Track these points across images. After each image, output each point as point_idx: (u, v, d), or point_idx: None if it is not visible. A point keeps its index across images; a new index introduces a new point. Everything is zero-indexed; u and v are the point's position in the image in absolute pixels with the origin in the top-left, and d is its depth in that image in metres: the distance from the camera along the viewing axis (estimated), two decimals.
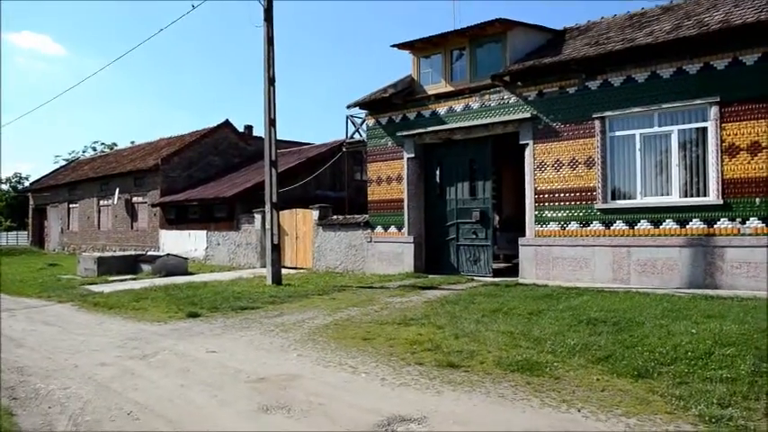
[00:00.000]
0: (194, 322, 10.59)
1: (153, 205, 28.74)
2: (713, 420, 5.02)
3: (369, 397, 6.12)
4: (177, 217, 27.69)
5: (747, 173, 11.64)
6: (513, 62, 14.92)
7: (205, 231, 25.00)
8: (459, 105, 15.92)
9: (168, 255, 21.42)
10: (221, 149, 30.76)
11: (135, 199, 30.60)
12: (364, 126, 18.95)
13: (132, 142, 47.10)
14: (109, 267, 20.17)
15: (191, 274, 20.00)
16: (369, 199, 18.02)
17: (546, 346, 7.55)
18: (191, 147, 30.03)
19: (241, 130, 32.28)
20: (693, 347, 6.90)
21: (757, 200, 11.51)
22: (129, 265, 20.75)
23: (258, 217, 21.73)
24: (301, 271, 19.33)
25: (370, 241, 17.73)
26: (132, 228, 30.69)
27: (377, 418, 5.42)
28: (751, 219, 11.57)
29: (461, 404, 5.86)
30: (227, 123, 31.22)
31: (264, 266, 16.19)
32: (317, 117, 76.59)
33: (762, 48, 11.57)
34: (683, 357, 6.64)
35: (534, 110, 14.38)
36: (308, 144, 30.69)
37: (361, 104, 18.09)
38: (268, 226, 15.71)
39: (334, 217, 19.36)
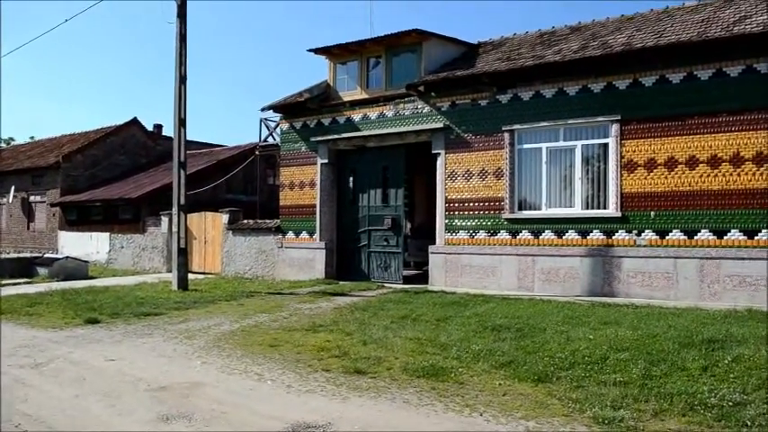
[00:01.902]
0: (93, 329, 10.08)
1: (52, 205, 27.29)
2: (606, 422, 5.22)
3: (274, 404, 6.01)
4: (79, 218, 26.40)
5: (644, 187, 12.29)
6: (427, 73, 15.16)
7: (108, 234, 23.97)
8: (374, 113, 16.01)
9: (67, 258, 20.37)
10: (128, 148, 29.61)
11: (32, 198, 28.95)
12: (278, 130, 18.75)
13: (32, 138, 44.51)
14: (1, 270, 18.95)
15: (92, 278, 19.09)
16: (281, 204, 17.81)
17: (452, 352, 7.66)
18: (95, 144, 28.73)
19: (150, 129, 31.17)
20: (590, 353, 7.18)
21: (652, 213, 12.17)
22: (24, 268, 19.57)
23: (165, 220, 21.05)
24: (209, 276, 18.85)
25: (282, 247, 17.52)
26: (29, 228, 29.02)
27: (281, 425, 5.33)
28: (646, 231, 12.22)
29: (367, 410, 5.85)
30: (134, 121, 30.06)
31: (171, 271, 15.66)
32: (230, 119, 75.29)
33: (659, 70, 12.27)
34: (580, 362, 6.90)
35: (447, 120, 14.66)
36: (221, 146, 30.01)
37: (276, 108, 17.88)
38: (175, 229, 15.23)
39: (245, 221, 19.01)
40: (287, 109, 17.63)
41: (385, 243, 15.87)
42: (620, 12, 19.90)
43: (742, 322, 8.84)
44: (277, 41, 77.22)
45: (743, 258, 11.32)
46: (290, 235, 17.37)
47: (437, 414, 5.69)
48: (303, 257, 16.95)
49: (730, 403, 5.50)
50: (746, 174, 11.43)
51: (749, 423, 5.09)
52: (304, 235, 17.05)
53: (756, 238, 11.29)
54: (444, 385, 6.51)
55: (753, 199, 11.37)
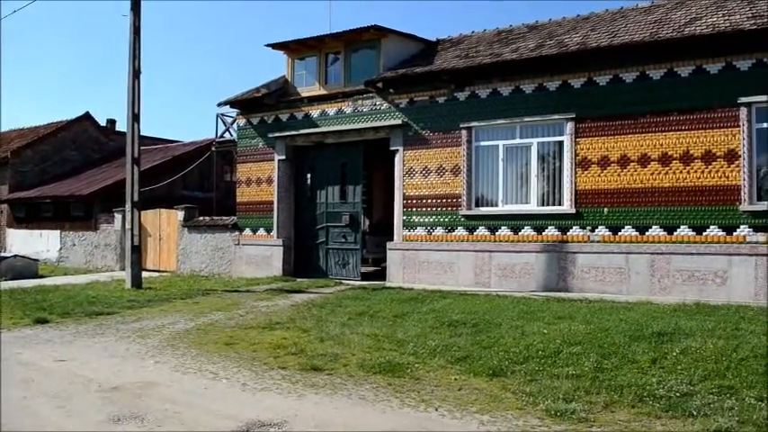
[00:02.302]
0: (42, 329, 9.80)
1: (0, 202, 26.45)
2: (558, 414, 5.31)
3: (228, 403, 5.95)
4: (28, 215, 25.64)
5: (597, 185, 12.52)
6: (386, 69, 15.16)
7: (59, 231, 23.35)
8: (332, 109, 15.94)
9: (16, 256, 19.77)
10: (80, 144, 28.85)
11: None
12: (235, 126, 18.52)
13: None
14: None
15: (41, 276, 18.57)
16: (238, 200, 17.61)
17: (408, 348, 7.70)
18: (45, 140, 27.90)
19: (103, 124, 30.42)
20: (544, 347, 7.29)
21: (605, 210, 12.42)
22: None
23: (119, 217, 20.60)
24: (164, 274, 18.53)
25: (238, 244, 17.33)
26: None
27: (235, 424, 5.27)
28: (599, 227, 12.46)
29: (322, 407, 5.83)
30: (87, 116, 29.28)
31: (124, 269, 15.35)
32: (186, 114, 74.01)
33: (613, 70, 12.50)
34: (534, 356, 7.00)
35: (405, 117, 14.69)
36: (176, 142, 29.48)
37: (233, 103, 17.67)
38: (128, 226, 14.93)
39: (201, 218, 18.75)
40: (244, 104, 17.43)
41: (343, 240, 15.83)
42: (577, 11, 20.25)
43: (690, 315, 9.08)
44: (234, 36, 76.24)
45: (692, 254, 11.63)
46: (248, 232, 17.19)
47: (393, 410, 5.71)
48: (260, 255, 16.80)
49: (677, 394, 5.65)
50: (696, 171, 11.74)
51: (695, 413, 5.24)
52: (261, 232, 16.89)
53: (705, 233, 11.60)
54: (401, 381, 6.53)
55: (701, 196, 11.68)
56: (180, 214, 18.93)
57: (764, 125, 11.45)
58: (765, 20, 11.43)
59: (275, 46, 16.72)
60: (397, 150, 14.77)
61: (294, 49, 16.64)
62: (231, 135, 19.70)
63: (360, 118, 15.44)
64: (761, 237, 11.20)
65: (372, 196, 19.76)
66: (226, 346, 8.28)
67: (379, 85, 14.90)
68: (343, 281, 15.09)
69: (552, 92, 13.10)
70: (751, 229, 11.29)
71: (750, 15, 11.92)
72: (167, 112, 72.42)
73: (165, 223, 19.67)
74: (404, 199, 14.65)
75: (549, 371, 6.52)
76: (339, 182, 16.02)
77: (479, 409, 5.61)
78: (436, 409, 5.67)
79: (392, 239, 14.88)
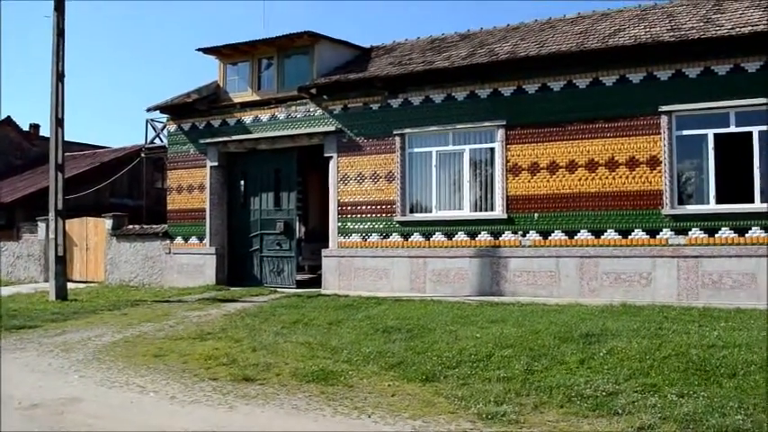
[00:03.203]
0: None
1: None
2: (489, 417, 5.37)
3: (156, 417, 5.78)
4: None
5: (528, 190, 12.79)
6: (320, 75, 15.10)
7: None
8: (265, 115, 15.76)
9: None
10: (1, 150, 27.57)
11: None
12: (165, 131, 18.07)
13: None
14: None
15: None
16: (169, 208, 17.16)
17: (342, 356, 7.66)
18: None
19: (26, 128, 29.17)
20: (477, 351, 7.38)
21: (536, 215, 12.70)
22: None
23: (42, 226, 19.73)
24: (92, 285, 17.87)
25: (170, 253, 16.88)
26: None
27: None
28: (530, 232, 12.73)
29: (253, 418, 5.74)
30: (8, 121, 27.99)
31: (48, 281, 14.72)
32: (114, 119, 71.68)
33: (541, 78, 12.82)
34: (467, 360, 7.07)
35: (339, 123, 14.66)
36: (104, 148, 28.54)
37: (163, 108, 17.23)
38: (52, 236, 14.32)
39: (131, 227, 18.18)
40: (174, 110, 17.03)
41: (278, 247, 15.65)
42: (507, 21, 20.70)
43: (617, 316, 9.37)
44: (165, 40, 74.55)
45: (618, 256, 12.02)
46: (179, 240, 16.78)
47: (325, 418, 5.66)
48: (192, 263, 16.41)
49: (604, 393, 5.81)
50: (620, 177, 12.16)
51: (620, 411, 5.39)
52: (193, 240, 16.51)
53: (630, 237, 12.02)
54: (334, 389, 6.49)
55: (626, 200, 12.10)
56: (108, 223, 18.30)
57: (684, 132, 11.97)
58: (684, 32, 11.96)
59: (207, 51, 16.41)
60: (332, 157, 14.71)
61: (226, 54, 16.38)
62: (162, 141, 19.21)
63: (293, 124, 15.32)
64: (682, 239, 11.68)
65: (308, 203, 19.65)
66: (155, 359, 8.05)
67: (313, 91, 14.83)
68: (278, 289, 14.91)
69: (483, 99, 13.33)
70: (673, 232, 11.76)
71: (669, 28, 12.45)
72: (95, 117, 70.13)
73: (92, 232, 18.99)
74: (339, 205, 14.60)
75: (481, 374, 6.59)
76: (273, 188, 15.83)
77: (412, 415, 5.63)
78: (369, 416, 5.66)
79: (328, 246, 14.80)
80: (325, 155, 14.81)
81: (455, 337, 8.21)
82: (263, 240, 15.87)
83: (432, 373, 6.72)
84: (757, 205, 11.45)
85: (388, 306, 11.18)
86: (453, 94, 13.61)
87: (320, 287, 14.58)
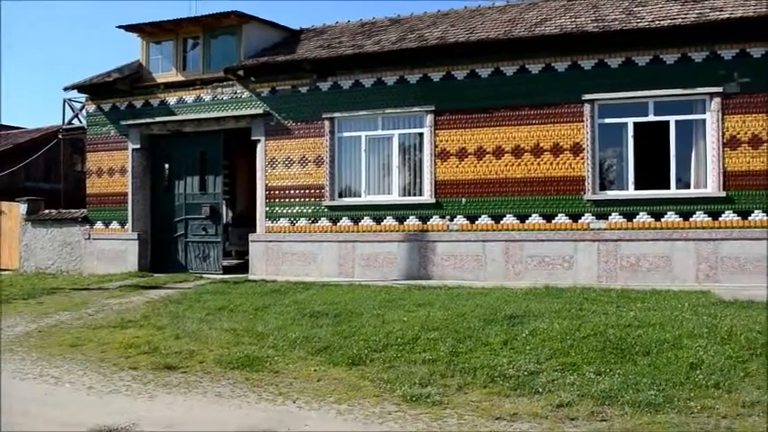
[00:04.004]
0: None
1: None
2: (414, 399, 5.42)
3: (72, 409, 5.57)
4: None
5: (456, 175, 12.93)
6: (247, 57, 14.76)
7: None
8: (190, 96, 15.30)
9: None
10: None
11: None
12: (84, 112, 17.30)
13: None
14: None
15: None
16: (88, 192, 16.46)
17: (268, 341, 7.57)
18: None
19: None
20: (403, 334, 7.41)
21: (463, 199, 12.85)
22: None
23: None
24: (5, 273, 17.00)
25: (89, 239, 16.23)
26: None
27: (78, 430, 4.92)
28: (458, 216, 12.88)
29: (175, 407, 5.60)
30: None
31: None
32: (30, 99, 68.20)
33: (470, 65, 12.93)
34: (393, 343, 7.10)
35: (267, 106, 14.38)
36: (19, 128, 27.12)
37: (81, 88, 16.46)
38: None
39: (47, 211, 17.36)
40: (94, 89, 16.29)
41: (203, 232, 15.28)
42: (437, 7, 20.79)
43: (540, 298, 9.61)
44: (84, 15, 71.23)
45: (542, 240, 12.33)
46: (99, 225, 16.14)
47: (249, 405, 5.58)
48: (114, 249, 15.83)
49: (526, 373, 5.95)
50: (545, 163, 12.43)
51: (541, 389, 5.54)
52: (114, 225, 15.92)
53: (553, 221, 12.33)
54: (259, 375, 6.41)
55: (550, 186, 12.40)
56: (22, 207, 17.42)
57: (606, 120, 12.34)
58: (607, 23, 12.29)
59: (129, 28, 15.75)
60: (259, 140, 14.44)
61: (149, 32, 15.78)
62: (81, 122, 18.40)
63: (220, 106, 14.94)
64: (602, 224, 12.08)
65: (235, 187, 19.26)
66: (71, 349, 7.77)
67: (240, 72, 14.48)
68: (204, 275, 14.57)
69: (413, 84, 13.35)
70: (594, 217, 12.15)
71: (594, 19, 12.77)
72: (8, 96, 66.55)
73: (5, 218, 18.03)
74: (266, 190, 14.37)
75: (407, 357, 6.64)
76: (199, 172, 15.40)
77: (337, 399, 5.61)
78: (294, 402, 5.62)
79: (255, 231, 14.56)
80: (253, 138, 14.52)
81: (382, 320, 8.23)
82: (188, 225, 15.46)
83: (358, 356, 6.71)
84: (673, 191, 11.97)
85: (315, 291, 11.10)
86: (383, 78, 13.57)
87: (247, 273, 14.35)
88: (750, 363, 6.03)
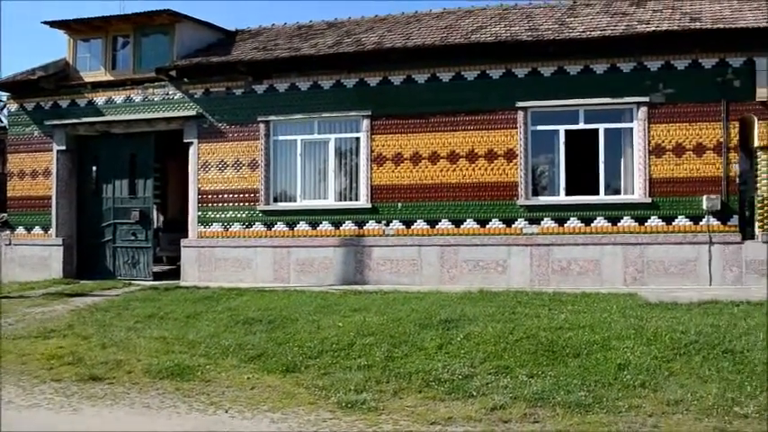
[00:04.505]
0: None
1: None
2: (349, 406, 5.36)
3: None
4: None
5: (392, 180, 12.95)
6: (180, 57, 14.39)
7: None
8: (120, 97, 14.81)
9: None
10: None
11: None
12: (6, 111, 16.51)
13: None
14: None
15: None
16: (9, 195, 15.69)
17: (200, 349, 7.38)
18: None
19: None
20: (339, 340, 7.35)
21: (399, 204, 12.89)
22: None
23: None
24: None
25: (10, 244, 15.46)
26: None
27: None
28: (394, 221, 12.90)
29: (101, 420, 5.38)
30: None
31: None
32: None
33: (407, 71, 12.98)
34: (329, 350, 7.03)
35: (200, 108, 14.06)
36: None
37: (3, 85, 15.74)
38: None
39: None
40: (16, 87, 15.55)
41: (133, 237, 14.79)
42: (375, 12, 20.78)
43: (474, 302, 9.71)
44: (7, 9, 68.20)
45: (476, 245, 12.48)
46: (21, 231, 15.40)
47: (180, 416, 5.42)
48: (37, 256, 15.13)
49: (460, 376, 5.98)
50: (480, 169, 12.61)
51: (475, 393, 5.58)
52: (37, 230, 15.23)
53: (488, 226, 12.51)
54: (190, 385, 6.23)
55: (485, 191, 12.57)
56: None
57: (538, 127, 12.62)
58: (540, 33, 12.58)
59: (54, 24, 15.12)
60: (192, 143, 14.09)
61: (77, 29, 15.19)
62: (2, 122, 17.55)
63: (151, 107, 14.51)
64: (535, 228, 12.34)
65: (167, 191, 18.74)
66: None
67: (173, 73, 14.11)
68: (134, 281, 14.11)
69: (350, 89, 13.32)
70: (527, 222, 12.39)
71: (528, 28, 13.06)
72: None
73: None
74: (199, 194, 14.03)
75: (342, 363, 6.58)
76: (128, 175, 14.89)
77: (271, 407, 5.51)
78: (226, 411, 5.48)
79: (187, 236, 14.19)
80: (185, 140, 14.16)
81: (317, 326, 8.14)
82: (116, 230, 14.93)
83: (293, 363, 6.62)
84: (602, 197, 12.34)
85: (249, 297, 10.90)
86: (319, 82, 13.48)
87: (179, 279, 13.97)
88: (674, 362, 6.25)
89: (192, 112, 14.05)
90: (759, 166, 11.72)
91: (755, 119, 11.65)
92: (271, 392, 5.90)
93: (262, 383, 6.17)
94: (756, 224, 11.65)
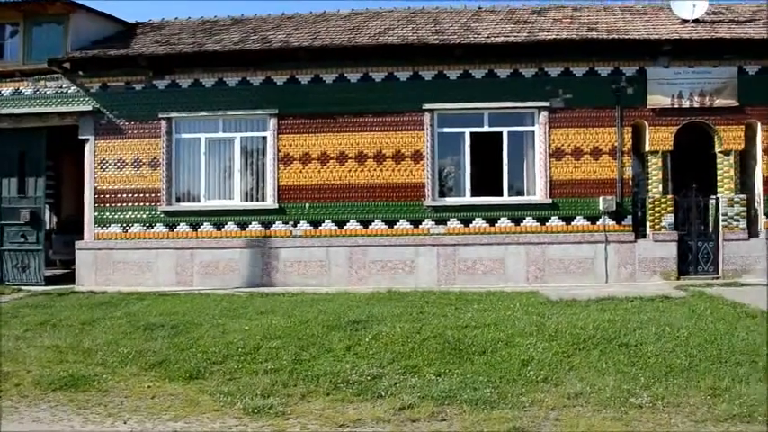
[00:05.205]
0: None
1: None
2: (256, 411, 5.23)
3: None
4: None
5: (299, 180, 12.80)
6: (76, 49, 13.62)
7: None
8: (7, 89, 13.84)
9: None
10: None
11: None
12: None
13: None
14: None
15: None
16: None
17: (96, 358, 6.98)
18: None
19: None
20: (244, 344, 7.17)
21: (307, 205, 12.76)
22: None
23: None
24: None
25: None
26: None
27: None
28: (301, 222, 12.77)
29: None
30: None
31: None
32: None
33: (314, 70, 12.88)
34: (234, 354, 6.83)
35: (97, 103, 13.36)
36: None
37: None
38: None
39: None
40: None
41: (22, 240, 13.85)
42: (282, 10, 20.51)
43: (383, 303, 9.75)
44: None
45: (385, 245, 12.55)
46: None
47: (73, 429, 5.09)
48: None
49: (369, 377, 5.96)
50: (387, 170, 12.68)
51: (383, 393, 5.57)
52: None
53: (396, 227, 12.61)
54: (85, 396, 5.88)
55: (392, 192, 12.66)
56: None
57: (445, 130, 12.85)
58: (446, 37, 12.80)
59: None
60: (88, 139, 13.37)
61: None
62: None
63: (43, 101, 13.66)
64: (441, 229, 12.54)
65: (61, 190, 17.71)
66: None
67: (67, 65, 13.32)
68: (24, 287, 13.20)
69: (256, 87, 13.06)
70: (434, 223, 12.58)
71: (435, 31, 13.26)
72: None
73: None
74: (96, 194, 13.32)
75: (248, 368, 6.41)
76: (17, 173, 13.92)
77: (174, 416, 5.29)
78: (125, 422, 5.21)
79: (83, 238, 13.46)
80: (81, 137, 13.42)
81: (222, 330, 7.91)
82: (3, 232, 13.91)
83: (196, 370, 6.38)
84: (506, 198, 12.73)
85: (151, 301, 10.46)
86: (225, 79, 13.14)
87: (74, 284, 13.22)
88: (574, 357, 6.49)
89: (89, 107, 13.34)
90: (650, 170, 12.44)
91: (647, 125, 12.35)
92: (173, 401, 5.65)
93: (163, 392, 5.91)
94: (648, 224, 12.35)
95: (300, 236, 12.75)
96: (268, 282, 12.62)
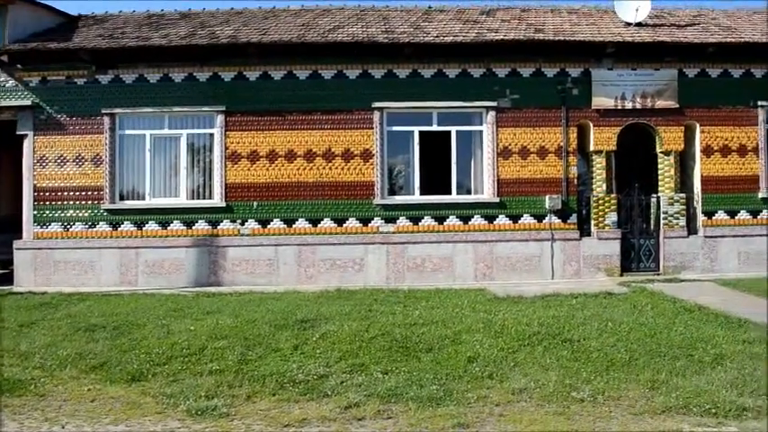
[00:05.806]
0: None
1: None
2: (199, 413, 5.14)
3: None
4: None
5: (247, 178, 12.64)
6: (14, 41, 13.12)
7: None
8: None
9: None
10: None
11: None
12: None
13: None
14: None
15: None
16: None
17: (34, 361, 6.75)
18: None
19: None
20: (189, 344, 7.05)
21: (255, 203, 12.61)
22: None
23: None
24: None
25: None
26: None
27: None
28: (249, 220, 12.61)
29: None
30: None
31: None
32: None
33: (263, 66, 12.76)
34: (178, 355, 6.71)
35: (36, 98, 12.91)
36: None
37: None
38: None
39: None
40: None
41: None
42: (230, 5, 20.18)
43: (331, 301, 9.73)
44: None
45: (334, 244, 12.51)
46: None
47: None
48: None
49: (315, 377, 5.93)
50: (337, 168, 12.65)
51: (330, 392, 5.55)
52: None
53: (345, 225, 12.59)
54: (21, 401, 5.68)
55: (342, 190, 12.64)
56: None
57: (394, 128, 12.89)
58: (396, 36, 12.82)
59: None
60: (27, 135, 12.90)
61: None
62: None
63: None
64: (391, 227, 12.58)
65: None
66: None
67: (4, 58, 12.83)
68: None
69: (203, 83, 12.84)
70: (383, 221, 12.61)
71: (384, 30, 13.26)
72: None
73: None
74: (35, 191, 12.87)
75: (192, 369, 6.30)
76: None
77: (114, 420, 5.15)
78: (63, 427, 5.06)
79: (21, 237, 12.99)
80: (19, 132, 12.93)
81: (167, 331, 7.75)
82: None
83: (139, 371, 6.23)
84: (454, 197, 12.90)
85: (93, 302, 10.17)
86: (171, 74, 12.87)
87: (12, 284, 12.75)
88: (519, 353, 6.59)
89: (27, 102, 12.88)
90: (594, 169, 12.75)
91: (591, 125, 12.65)
92: (114, 404, 5.51)
93: (104, 395, 5.75)
94: (593, 222, 12.66)
95: (248, 234, 12.59)
96: (215, 281, 12.44)
